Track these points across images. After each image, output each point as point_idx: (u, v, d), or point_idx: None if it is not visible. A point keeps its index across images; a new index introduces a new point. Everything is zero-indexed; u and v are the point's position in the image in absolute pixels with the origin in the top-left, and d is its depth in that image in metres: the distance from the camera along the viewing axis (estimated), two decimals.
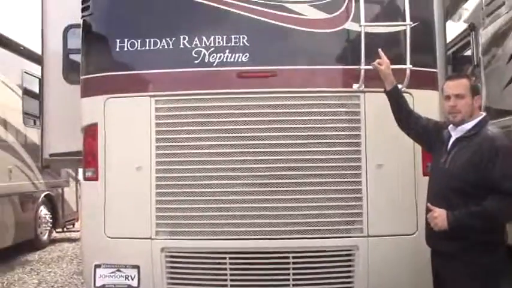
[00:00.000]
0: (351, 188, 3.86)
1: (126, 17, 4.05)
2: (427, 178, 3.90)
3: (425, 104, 3.99)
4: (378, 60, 3.60)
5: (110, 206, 3.95)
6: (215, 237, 3.84)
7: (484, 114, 3.29)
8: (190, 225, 3.86)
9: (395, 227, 3.90)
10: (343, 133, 3.88)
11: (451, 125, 3.28)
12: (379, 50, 3.63)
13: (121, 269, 3.94)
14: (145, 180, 3.88)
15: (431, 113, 4.00)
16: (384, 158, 3.89)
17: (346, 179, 3.86)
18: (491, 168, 2.99)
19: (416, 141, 3.70)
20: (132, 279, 3.93)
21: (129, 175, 3.90)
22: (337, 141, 3.87)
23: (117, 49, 3.99)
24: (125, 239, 3.92)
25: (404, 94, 3.88)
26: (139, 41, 3.96)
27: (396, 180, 3.91)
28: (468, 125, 3.18)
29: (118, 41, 3.99)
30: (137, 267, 3.91)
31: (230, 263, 3.86)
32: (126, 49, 3.97)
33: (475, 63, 6.04)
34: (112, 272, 3.95)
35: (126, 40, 3.97)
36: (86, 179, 4.09)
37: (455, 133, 3.23)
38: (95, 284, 3.96)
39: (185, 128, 3.89)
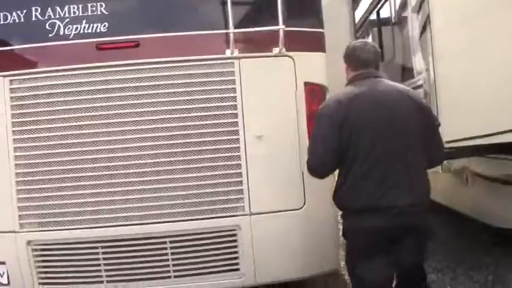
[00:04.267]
0: (228, 163, 3.57)
1: None
2: None
3: (308, 67, 3.71)
4: None
5: None
6: (83, 226, 3.53)
7: (349, 77, 3.11)
8: (56, 214, 3.54)
9: (280, 203, 3.64)
10: (217, 104, 3.57)
11: None
12: None
13: None
14: (4, 168, 3.53)
15: (316, 76, 3.75)
16: (264, 129, 3.60)
17: (222, 154, 3.56)
18: None
19: None
20: (1, 276, 3.62)
21: None
22: (211, 113, 3.55)
23: None
24: None
25: (283, 58, 3.60)
26: None
27: (279, 152, 3.63)
28: None
29: None
30: (4, 263, 3.59)
31: (103, 253, 3.56)
32: None
33: None
34: None
35: None
36: None
37: None
38: None
39: (44, 109, 3.53)
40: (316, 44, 3.78)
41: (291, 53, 3.61)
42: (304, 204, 3.65)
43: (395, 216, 2.79)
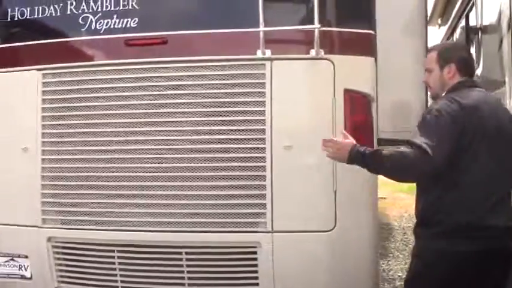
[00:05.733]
0: (252, 174, 3.26)
1: None
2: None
3: (350, 73, 3.30)
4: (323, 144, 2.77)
5: None
6: (102, 228, 3.41)
7: (456, 82, 2.69)
8: (77, 213, 3.46)
9: (306, 222, 3.26)
10: (244, 109, 3.27)
11: None
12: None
13: (15, 258, 3.64)
14: (32, 162, 3.51)
15: (360, 83, 3.33)
16: (294, 139, 3.25)
17: (246, 164, 3.26)
18: None
19: None
20: (26, 270, 3.62)
21: (17, 157, 3.55)
22: (237, 118, 3.27)
23: (8, 18, 3.64)
24: (14, 226, 3.60)
25: (320, 61, 3.24)
26: (28, 8, 3.58)
27: (309, 166, 3.26)
28: None
29: (9, 9, 3.63)
30: (27, 257, 3.59)
31: (118, 257, 3.42)
32: (16, 18, 3.61)
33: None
34: (6, 261, 3.66)
35: (16, 8, 3.61)
36: None
37: None
38: None
39: (73, 105, 3.47)
40: (362, 46, 3.36)
41: (330, 56, 3.23)
42: (335, 226, 3.24)
43: (494, 238, 2.50)
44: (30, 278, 3.61)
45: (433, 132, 2.48)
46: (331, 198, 3.24)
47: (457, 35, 6.18)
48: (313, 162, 3.25)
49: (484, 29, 4.95)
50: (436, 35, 6.80)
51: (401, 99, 4.29)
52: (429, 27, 5.16)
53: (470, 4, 5.32)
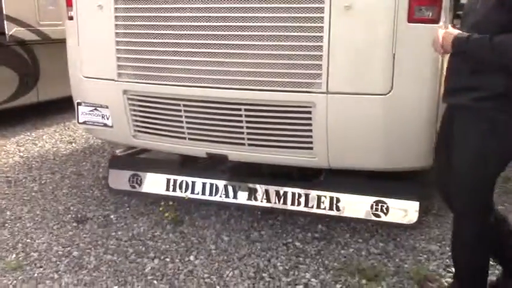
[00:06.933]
0: (309, 34, 3.24)
1: None
2: (412, 25, 3.16)
3: None
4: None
5: (83, 46, 3.96)
6: (169, 83, 3.64)
7: None
8: (147, 68, 3.70)
9: (362, 84, 3.25)
10: None
11: None
12: None
13: (98, 108, 4.04)
14: (107, 20, 3.73)
15: None
16: None
17: (305, 24, 3.24)
18: None
19: None
20: (107, 119, 4.02)
21: (94, 14, 3.79)
22: None
23: None
24: (96, 79, 3.94)
25: None
26: None
27: (369, 26, 3.17)
28: None
29: None
30: (107, 107, 3.96)
31: (184, 111, 3.68)
32: None
33: None
34: (91, 110, 4.08)
35: None
36: (68, 18, 4.09)
37: None
38: (78, 120, 4.15)
39: None
40: None
41: None
42: (392, 89, 3.21)
43: None
44: (112, 127, 4.01)
45: None
46: (389, 61, 3.17)
47: None
48: (371, 22, 3.16)
49: None
50: None
51: None
52: None
53: None
